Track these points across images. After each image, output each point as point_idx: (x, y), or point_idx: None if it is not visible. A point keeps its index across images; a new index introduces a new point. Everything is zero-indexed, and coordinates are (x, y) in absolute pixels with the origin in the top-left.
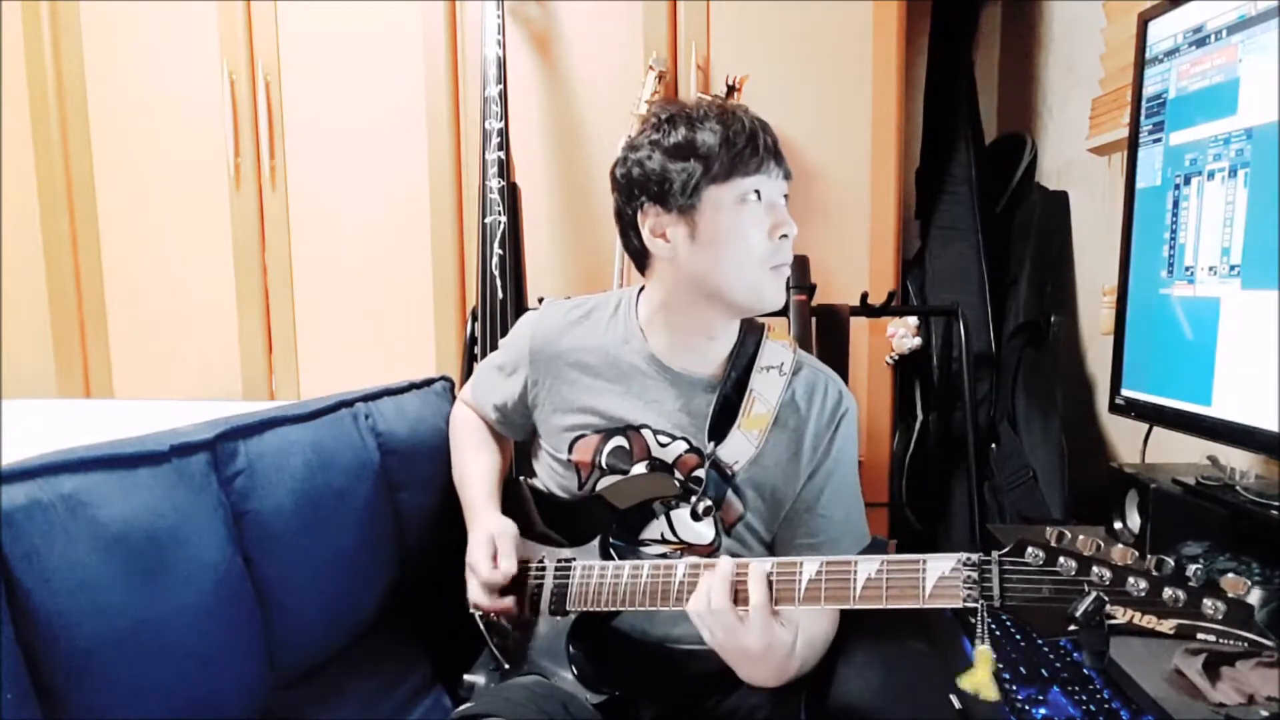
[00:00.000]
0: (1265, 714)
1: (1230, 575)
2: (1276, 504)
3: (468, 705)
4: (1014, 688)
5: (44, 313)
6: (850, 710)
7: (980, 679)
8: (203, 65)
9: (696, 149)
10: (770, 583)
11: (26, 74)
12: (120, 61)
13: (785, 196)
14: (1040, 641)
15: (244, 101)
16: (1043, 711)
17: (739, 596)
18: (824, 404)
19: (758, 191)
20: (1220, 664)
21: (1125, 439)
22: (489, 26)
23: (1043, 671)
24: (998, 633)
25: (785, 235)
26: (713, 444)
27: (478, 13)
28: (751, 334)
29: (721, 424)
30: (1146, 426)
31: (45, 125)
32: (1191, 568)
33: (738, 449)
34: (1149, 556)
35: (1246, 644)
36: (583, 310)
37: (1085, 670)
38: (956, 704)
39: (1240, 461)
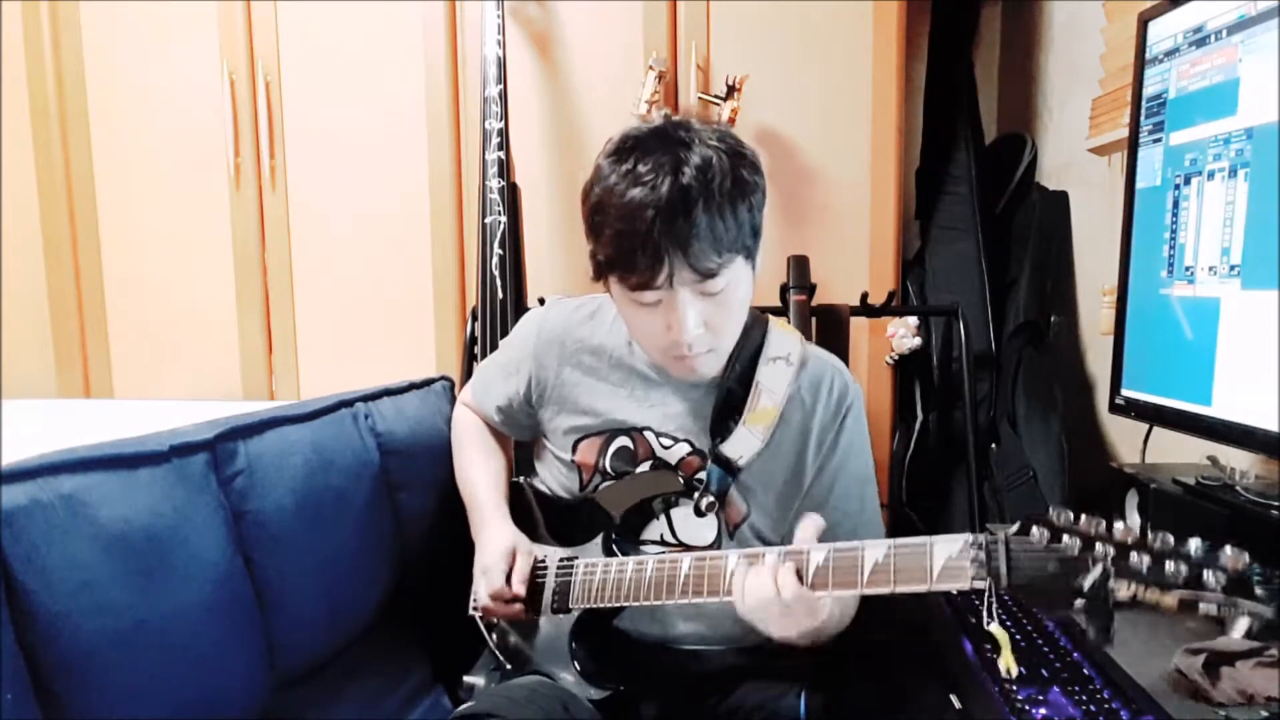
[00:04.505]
0: (1265, 714)
1: (1229, 550)
2: (1276, 504)
3: (468, 705)
4: (1014, 688)
5: (44, 313)
6: (850, 709)
7: (1007, 659)
8: (203, 65)
9: (599, 226)
10: (806, 564)
11: (26, 74)
12: (120, 61)
13: (709, 294)
14: (1040, 640)
15: (244, 101)
16: (1043, 711)
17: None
18: (830, 396)
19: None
20: (1220, 664)
21: (1125, 439)
22: (489, 26)
23: (1043, 671)
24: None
25: (676, 339)
26: (716, 440)
27: (478, 13)
28: (755, 327)
29: (724, 419)
30: (1146, 426)
31: (45, 125)
32: (1193, 543)
33: (742, 445)
34: (1150, 533)
35: (1247, 612)
36: (588, 310)
37: (1085, 670)
38: (956, 704)
39: (1240, 461)
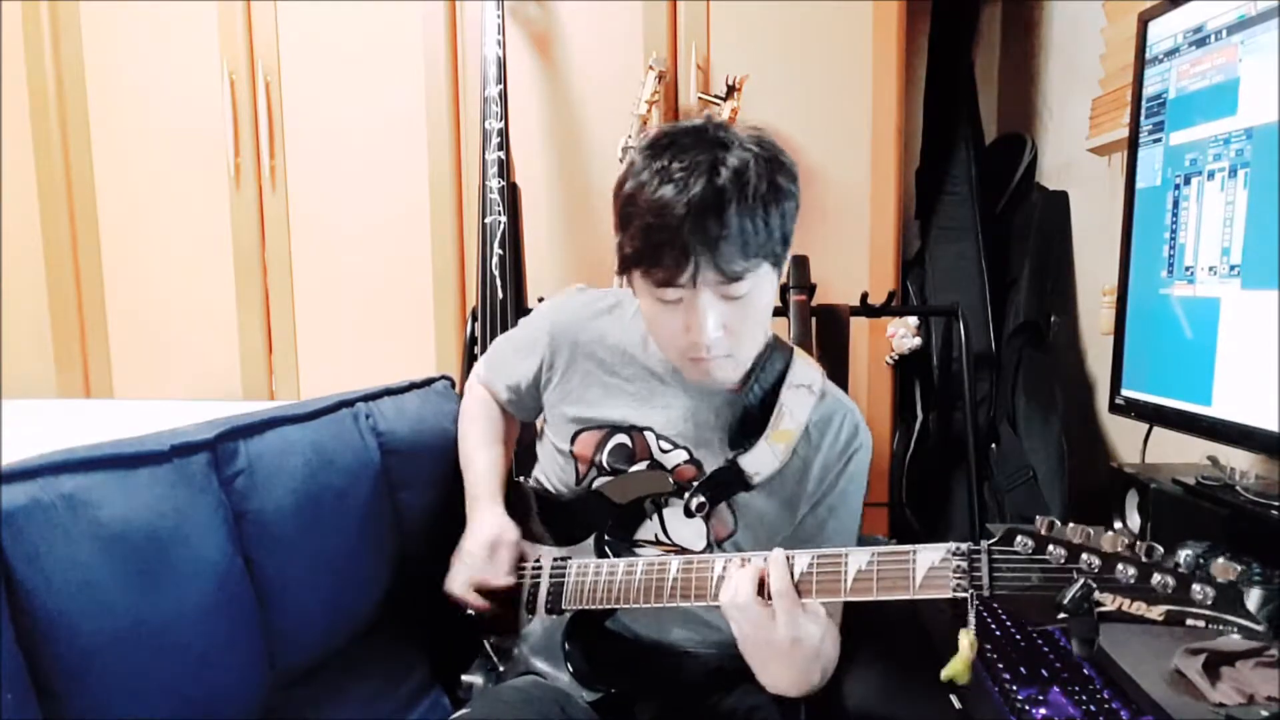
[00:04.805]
0: (1265, 714)
1: (1220, 561)
2: (1276, 504)
3: (464, 711)
4: (1014, 688)
5: (44, 313)
6: (850, 710)
7: (958, 667)
8: (203, 65)
9: (628, 219)
10: (791, 569)
11: (26, 74)
12: (120, 61)
13: (732, 297)
14: (1040, 640)
15: (244, 101)
16: (1043, 711)
17: (764, 589)
18: (837, 436)
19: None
20: (1220, 664)
21: (1125, 439)
22: (489, 26)
23: (1043, 671)
24: (998, 633)
25: (695, 340)
26: (736, 451)
27: (478, 13)
28: (780, 351)
29: (743, 435)
30: (1146, 426)
31: (45, 125)
32: (1182, 554)
33: (762, 460)
34: (1139, 543)
35: (1236, 629)
36: (607, 303)
37: (1085, 670)
38: (956, 704)
39: (1240, 461)
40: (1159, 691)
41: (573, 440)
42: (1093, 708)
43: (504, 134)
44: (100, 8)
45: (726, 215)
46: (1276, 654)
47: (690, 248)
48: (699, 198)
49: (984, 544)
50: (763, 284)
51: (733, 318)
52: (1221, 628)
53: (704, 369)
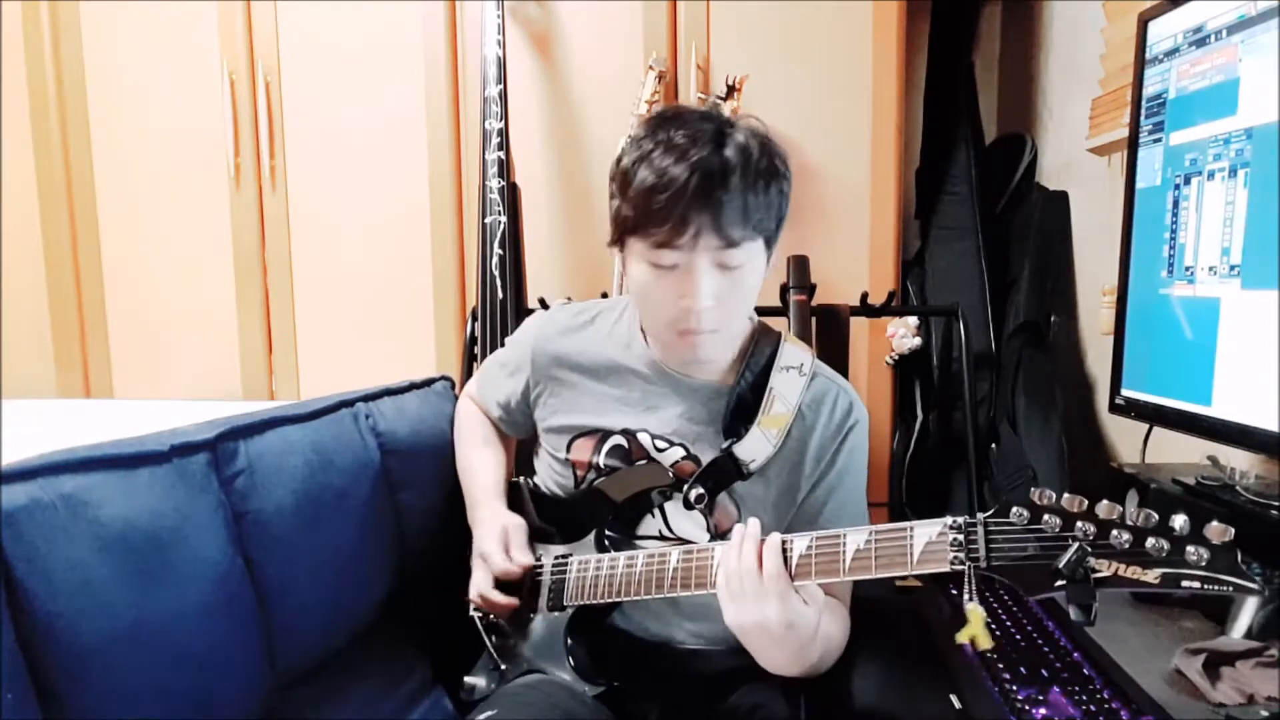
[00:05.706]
0: (1265, 714)
1: (1214, 523)
2: (1276, 504)
3: (490, 713)
4: (1014, 688)
5: (44, 313)
6: (850, 709)
7: (975, 631)
8: (203, 65)
9: (629, 183)
10: (785, 552)
11: (26, 74)
12: (120, 61)
13: (727, 267)
14: (1040, 640)
15: (244, 101)
16: (1043, 711)
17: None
18: (832, 414)
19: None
20: (1220, 664)
21: (1125, 439)
22: (489, 26)
23: (1043, 671)
24: (998, 633)
25: (688, 307)
26: (730, 441)
27: (478, 13)
28: (767, 338)
29: (737, 423)
30: (1146, 426)
31: (45, 125)
32: (1178, 520)
33: (756, 447)
34: (1137, 510)
35: (1231, 588)
36: (588, 315)
37: (1085, 670)
38: (956, 704)
39: (1240, 461)
40: (1159, 691)
41: (568, 448)
42: (1093, 708)
43: (504, 134)
44: (100, 8)
45: (731, 181)
46: (1276, 654)
47: (692, 210)
48: (705, 163)
49: (980, 516)
50: (755, 261)
51: (725, 290)
52: (1217, 589)
53: (691, 344)
